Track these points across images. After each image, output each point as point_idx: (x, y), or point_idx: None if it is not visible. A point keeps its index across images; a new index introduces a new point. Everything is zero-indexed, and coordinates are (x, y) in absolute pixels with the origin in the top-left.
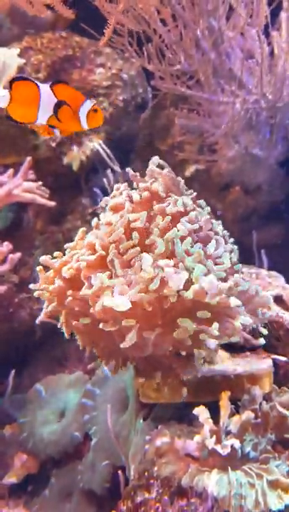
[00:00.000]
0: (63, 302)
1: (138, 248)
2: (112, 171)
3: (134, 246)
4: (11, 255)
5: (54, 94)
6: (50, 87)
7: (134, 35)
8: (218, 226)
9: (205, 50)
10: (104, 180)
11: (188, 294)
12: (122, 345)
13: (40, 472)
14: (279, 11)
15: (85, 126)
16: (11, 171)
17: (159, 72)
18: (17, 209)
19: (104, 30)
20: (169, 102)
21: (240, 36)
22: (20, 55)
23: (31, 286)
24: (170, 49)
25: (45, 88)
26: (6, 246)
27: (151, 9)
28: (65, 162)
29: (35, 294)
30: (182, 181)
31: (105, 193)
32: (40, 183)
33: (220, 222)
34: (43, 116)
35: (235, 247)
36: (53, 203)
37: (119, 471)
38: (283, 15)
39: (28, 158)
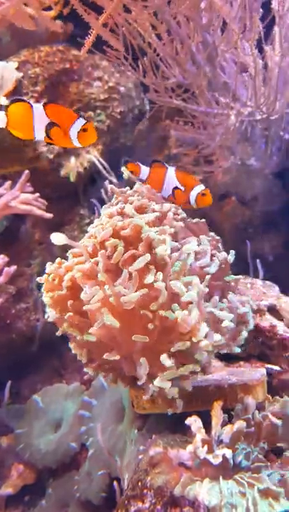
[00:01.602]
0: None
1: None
2: (110, 182)
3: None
4: (6, 268)
5: (46, 113)
6: (43, 106)
7: (129, 49)
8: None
9: (200, 64)
10: (102, 191)
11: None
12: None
13: (37, 482)
14: (272, 24)
15: (77, 144)
16: (8, 183)
17: (154, 85)
18: (12, 217)
19: (103, 45)
20: (164, 114)
21: (234, 50)
22: (18, 69)
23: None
24: (165, 63)
25: (37, 108)
26: (2, 259)
27: (146, 24)
28: (62, 174)
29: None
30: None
31: (103, 204)
32: (37, 194)
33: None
34: (39, 134)
35: (228, 256)
36: (50, 215)
37: (115, 482)
38: (276, 29)
39: (26, 171)
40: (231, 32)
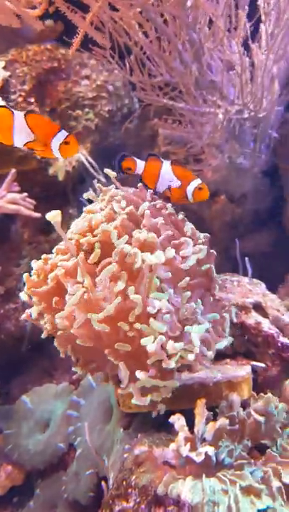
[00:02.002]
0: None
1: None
2: (98, 180)
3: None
4: None
5: (27, 123)
6: (24, 116)
7: (115, 48)
8: (188, 226)
9: (186, 62)
10: (91, 190)
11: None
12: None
13: (26, 483)
14: (259, 21)
15: (58, 156)
16: None
17: (141, 83)
18: (2, 217)
19: (89, 43)
20: (153, 112)
21: (221, 47)
22: (5, 68)
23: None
24: (152, 61)
25: (18, 116)
26: None
27: (132, 22)
28: (51, 172)
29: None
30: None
31: (91, 203)
32: (25, 194)
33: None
34: (19, 141)
35: (204, 247)
36: (38, 215)
37: (103, 481)
38: (262, 27)
39: (13, 171)
40: (217, 30)
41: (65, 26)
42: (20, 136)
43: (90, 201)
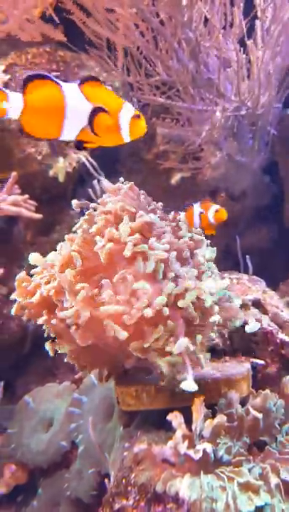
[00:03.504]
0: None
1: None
2: (98, 181)
3: None
4: None
5: (85, 96)
6: (79, 86)
7: (112, 48)
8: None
9: (183, 61)
10: (90, 191)
11: None
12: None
13: (29, 482)
14: (255, 18)
15: (127, 138)
16: None
17: (138, 83)
18: (5, 218)
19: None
20: (151, 112)
21: (217, 45)
22: (5, 72)
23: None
24: (148, 60)
25: (72, 89)
26: None
27: (129, 22)
28: (51, 174)
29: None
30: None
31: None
32: (26, 196)
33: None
34: (71, 130)
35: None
36: (39, 216)
37: (106, 479)
38: (258, 23)
39: (14, 174)
40: (213, 28)
41: (65, 29)
42: (75, 122)
43: (92, 202)
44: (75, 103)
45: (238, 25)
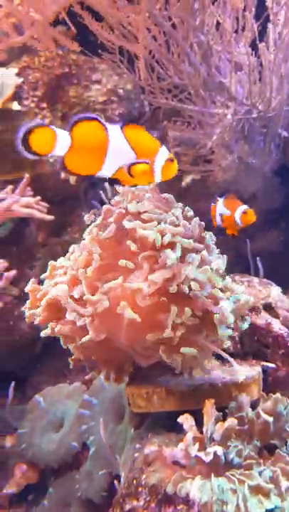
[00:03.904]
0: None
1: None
2: (110, 184)
3: None
4: (5, 273)
5: (126, 138)
6: (121, 128)
7: (124, 52)
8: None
9: (195, 64)
10: (102, 193)
11: None
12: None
13: (40, 482)
14: (267, 22)
15: (159, 179)
16: (9, 187)
17: (149, 87)
18: (17, 219)
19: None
20: (162, 114)
21: (229, 48)
22: (18, 74)
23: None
24: (160, 64)
25: (115, 131)
26: (1, 263)
27: (141, 26)
28: (63, 176)
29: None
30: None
31: (103, 205)
32: (38, 198)
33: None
34: (110, 169)
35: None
36: (51, 217)
37: (116, 480)
38: (270, 26)
39: (26, 175)
40: (225, 31)
41: (77, 32)
42: (114, 161)
43: (103, 204)
44: (117, 144)
45: (249, 29)
